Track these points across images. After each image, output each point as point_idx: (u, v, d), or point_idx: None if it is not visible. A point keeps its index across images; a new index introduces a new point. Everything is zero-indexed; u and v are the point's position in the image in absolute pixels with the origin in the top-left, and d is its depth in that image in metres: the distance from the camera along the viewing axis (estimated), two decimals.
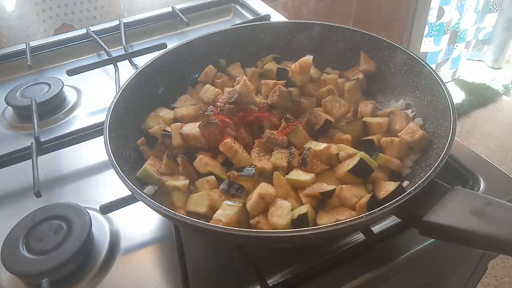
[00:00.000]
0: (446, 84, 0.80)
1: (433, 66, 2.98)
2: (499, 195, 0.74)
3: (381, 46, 0.96)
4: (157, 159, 0.82)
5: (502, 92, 3.22)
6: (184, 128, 0.84)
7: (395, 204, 0.59)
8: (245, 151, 0.80)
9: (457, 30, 2.91)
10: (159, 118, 0.90)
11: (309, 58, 0.96)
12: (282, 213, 0.67)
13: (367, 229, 0.70)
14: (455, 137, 0.71)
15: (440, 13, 2.69)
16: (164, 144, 0.85)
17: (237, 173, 0.74)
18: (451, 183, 0.65)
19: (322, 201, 0.71)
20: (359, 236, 0.74)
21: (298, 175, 0.74)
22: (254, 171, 0.73)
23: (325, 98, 0.91)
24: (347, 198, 0.71)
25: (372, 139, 0.82)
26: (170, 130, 0.85)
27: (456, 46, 3.01)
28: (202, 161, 0.77)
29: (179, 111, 0.93)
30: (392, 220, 0.77)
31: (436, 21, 2.73)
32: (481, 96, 3.16)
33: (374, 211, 0.59)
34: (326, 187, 0.71)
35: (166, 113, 0.93)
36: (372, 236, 0.70)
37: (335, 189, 0.70)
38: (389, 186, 0.71)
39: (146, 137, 0.85)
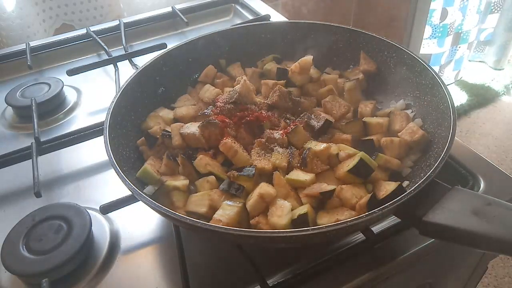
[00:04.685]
0: (447, 85, 0.80)
1: (437, 68, 2.97)
2: (499, 195, 0.74)
3: (381, 46, 0.96)
4: (157, 159, 0.82)
5: (502, 92, 3.22)
6: (184, 128, 0.84)
7: (395, 204, 0.59)
8: (245, 151, 0.80)
9: (460, 31, 2.91)
10: (159, 118, 0.90)
11: (309, 58, 0.96)
12: (282, 213, 0.67)
13: (367, 229, 0.70)
14: (455, 137, 0.71)
15: (444, 14, 2.69)
16: (164, 144, 0.85)
17: (237, 173, 0.75)
18: (451, 183, 0.65)
19: (322, 201, 0.71)
20: (359, 236, 0.74)
21: (298, 175, 0.74)
22: (254, 171, 0.73)
23: (325, 98, 0.91)
24: (347, 198, 0.71)
25: (372, 139, 0.82)
26: (170, 130, 0.85)
27: (459, 47, 3.01)
28: (202, 161, 0.77)
29: (179, 111, 0.92)
30: (392, 220, 0.77)
31: (439, 23, 2.72)
32: (481, 96, 3.16)
33: (374, 211, 0.59)
34: (326, 187, 0.71)
35: (166, 113, 0.93)
36: (372, 236, 0.70)
37: (335, 189, 0.70)
38: (389, 186, 0.71)
39: (146, 137, 0.85)
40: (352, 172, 0.73)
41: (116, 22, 1.40)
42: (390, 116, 0.87)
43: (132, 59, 1.22)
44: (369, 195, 0.69)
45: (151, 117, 0.90)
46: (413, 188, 0.61)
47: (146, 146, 0.85)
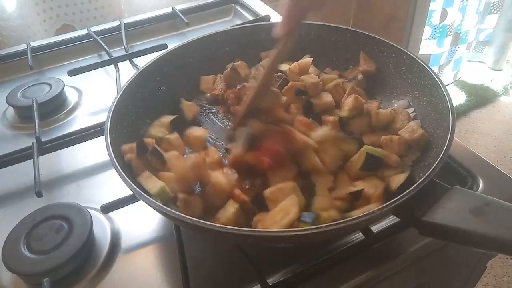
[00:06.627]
0: (446, 85, 0.80)
1: (436, 68, 2.97)
2: (498, 195, 0.74)
3: (380, 47, 0.96)
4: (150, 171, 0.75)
5: (501, 93, 3.22)
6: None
7: (394, 204, 0.59)
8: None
9: (459, 31, 2.91)
10: (162, 126, 0.86)
11: (309, 60, 0.96)
12: (284, 214, 0.67)
13: (366, 229, 0.71)
14: (454, 137, 0.71)
15: (443, 15, 2.70)
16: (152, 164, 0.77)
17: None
18: (450, 183, 0.65)
19: (352, 202, 0.71)
20: (359, 236, 0.74)
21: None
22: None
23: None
24: (367, 191, 0.70)
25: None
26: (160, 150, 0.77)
27: (458, 47, 3.01)
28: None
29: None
30: (391, 220, 0.77)
31: (439, 23, 2.73)
32: (480, 97, 3.16)
33: (373, 211, 0.59)
34: (351, 188, 0.71)
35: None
36: (371, 235, 0.71)
37: (363, 189, 0.70)
38: (398, 178, 0.72)
39: (138, 145, 0.76)
40: (364, 168, 0.73)
41: (116, 23, 1.40)
42: (392, 114, 0.87)
43: (132, 59, 1.23)
44: (383, 186, 0.70)
45: (155, 126, 0.86)
46: (412, 187, 0.61)
47: (136, 154, 0.76)
